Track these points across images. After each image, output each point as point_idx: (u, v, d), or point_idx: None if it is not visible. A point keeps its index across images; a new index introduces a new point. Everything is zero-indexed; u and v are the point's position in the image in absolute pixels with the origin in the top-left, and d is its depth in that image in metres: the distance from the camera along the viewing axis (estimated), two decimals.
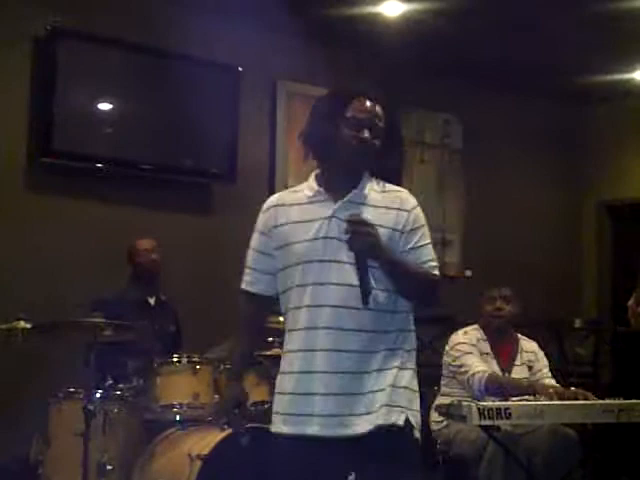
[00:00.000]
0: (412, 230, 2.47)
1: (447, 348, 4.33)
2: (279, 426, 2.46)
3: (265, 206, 2.60)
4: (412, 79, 6.33)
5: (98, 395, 3.95)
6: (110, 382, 4.08)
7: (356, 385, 2.39)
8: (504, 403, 3.59)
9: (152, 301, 4.76)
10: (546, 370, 4.43)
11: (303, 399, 2.40)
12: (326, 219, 2.44)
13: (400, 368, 2.44)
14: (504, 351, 4.38)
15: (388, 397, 2.39)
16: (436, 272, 2.49)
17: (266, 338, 3.96)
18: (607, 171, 7.40)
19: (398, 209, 2.47)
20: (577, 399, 3.85)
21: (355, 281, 2.37)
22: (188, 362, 4.17)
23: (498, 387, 4.00)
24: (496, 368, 4.29)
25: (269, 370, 4.30)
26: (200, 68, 5.56)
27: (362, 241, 2.33)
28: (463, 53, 6.21)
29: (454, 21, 5.67)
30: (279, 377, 2.51)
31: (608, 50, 6.15)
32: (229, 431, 3.90)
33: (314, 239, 2.43)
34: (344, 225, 2.36)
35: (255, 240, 2.61)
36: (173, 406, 4.09)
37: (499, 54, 6.24)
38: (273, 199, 2.61)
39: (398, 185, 2.56)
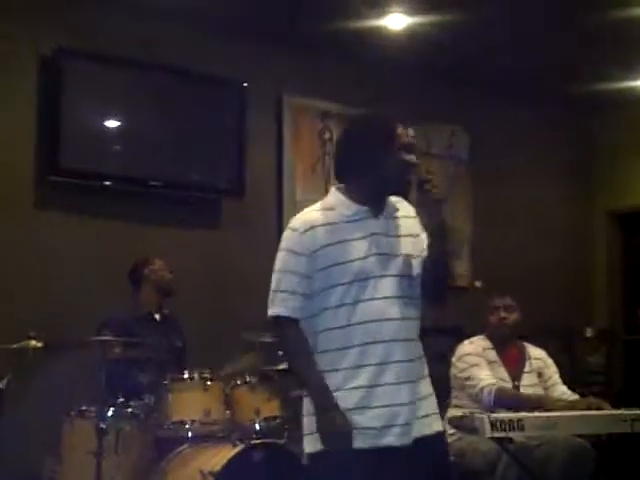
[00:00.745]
0: (422, 232, 2.67)
1: (454, 360, 4.31)
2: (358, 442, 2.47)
3: (301, 227, 2.57)
4: (417, 91, 6.33)
5: (110, 413, 3.95)
6: (121, 399, 4.08)
7: (416, 392, 2.53)
8: (517, 415, 3.56)
9: (158, 316, 4.76)
10: (556, 376, 4.41)
11: (378, 412, 2.45)
12: (373, 235, 2.55)
13: (426, 377, 2.63)
14: (512, 359, 4.36)
15: (433, 405, 2.59)
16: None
17: None
18: (616, 179, 7.38)
19: (414, 216, 2.69)
20: (590, 409, 3.83)
21: (405, 292, 2.53)
22: (199, 378, 4.16)
23: (507, 401, 3.98)
24: (505, 376, 4.27)
25: (280, 385, 4.30)
26: (206, 84, 5.57)
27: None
28: (468, 64, 6.21)
29: (458, 33, 5.67)
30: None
31: (616, 58, 6.14)
32: (241, 447, 3.90)
33: (366, 257, 2.51)
34: (390, 241, 2.55)
35: (294, 263, 2.56)
36: (184, 423, 4.08)
37: (505, 64, 6.24)
38: (309, 219, 2.58)
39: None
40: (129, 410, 4.05)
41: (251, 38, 5.67)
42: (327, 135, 6.16)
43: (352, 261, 2.50)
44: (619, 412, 3.77)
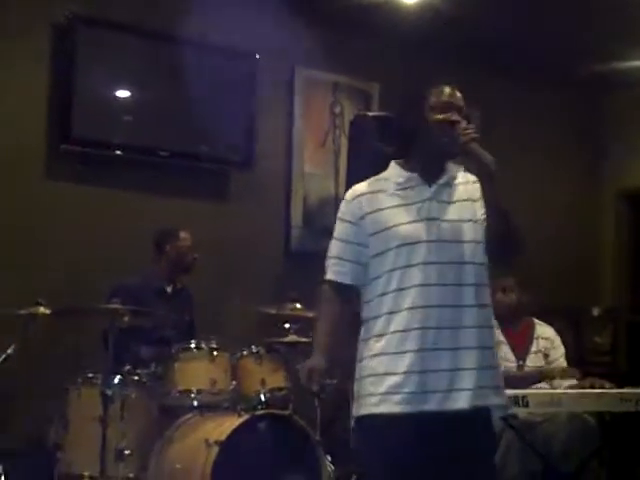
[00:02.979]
0: (480, 198, 2.61)
1: None
2: (394, 405, 2.46)
3: (349, 196, 2.65)
4: (428, 66, 6.29)
5: (116, 380, 3.97)
6: (128, 367, 4.10)
7: (472, 360, 2.49)
8: (522, 391, 3.58)
9: (169, 289, 4.77)
10: (562, 360, 4.41)
11: (420, 376, 2.45)
12: (425, 201, 2.54)
13: (492, 347, 2.59)
14: (518, 338, 4.37)
15: (488, 377, 2.53)
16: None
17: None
18: (626, 159, 7.34)
19: (473, 182, 2.63)
20: (593, 388, 3.85)
21: (459, 258, 2.51)
22: (206, 348, 4.18)
23: (510, 381, 3.98)
24: (510, 356, 4.28)
25: (286, 356, 4.32)
26: (217, 55, 5.55)
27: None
28: (480, 41, 6.17)
29: (471, 8, 5.63)
30: (378, 359, 2.50)
31: (627, 37, 6.09)
32: (246, 417, 3.92)
33: (417, 220, 2.52)
34: (442, 207, 2.53)
35: (341, 230, 2.64)
36: (190, 392, 4.10)
37: (517, 42, 6.19)
38: (358, 188, 2.65)
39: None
40: (135, 378, 4.08)
41: (263, 10, 5.63)
42: (338, 109, 6.14)
43: (401, 224, 2.52)
44: (624, 391, 3.79)
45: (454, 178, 2.63)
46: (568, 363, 4.43)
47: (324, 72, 6.07)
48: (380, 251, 2.54)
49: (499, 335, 4.32)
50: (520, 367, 4.29)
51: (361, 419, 2.54)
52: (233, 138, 5.63)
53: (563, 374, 4.06)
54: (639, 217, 7.38)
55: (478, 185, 2.60)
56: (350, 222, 2.61)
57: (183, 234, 4.79)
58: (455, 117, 2.55)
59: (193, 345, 4.20)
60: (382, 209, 2.56)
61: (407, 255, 2.50)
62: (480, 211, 2.58)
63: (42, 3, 5.04)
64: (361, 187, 2.65)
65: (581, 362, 5.45)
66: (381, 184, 2.63)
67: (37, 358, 4.56)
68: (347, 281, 2.61)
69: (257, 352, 4.24)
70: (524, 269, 4.50)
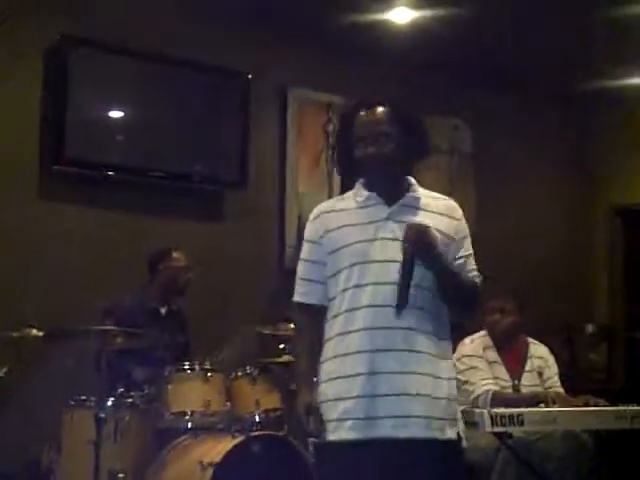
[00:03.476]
0: (462, 239, 2.60)
1: (454, 358, 4.30)
2: (344, 433, 2.41)
3: (312, 216, 2.64)
4: (421, 85, 6.32)
5: (109, 403, 3.95)
6: (121, 390, 4.08)
7: (419, 386, 2.42)
8: (517, 410, 3.57)
9: (163, 310, 4.76)
10: (556, 378, 4.40)
11: (370, 401, 2.39)
12: (382, 221, 2.51)
13: (449, 378, 2.52)
14: (513, 358, 4.36)
15: (446, 408, 2.45)
16: (478, 282, 2.60)
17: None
18: (618, 175, 7.37)
19: (450, 216, 2.57)
20: (588, 405, 3.84)
21: (415, 280, 2.42)
22: (199, 369, 4.17)
23: (503, 403, 3.98)
24: (505, 376, 4.27)
25: (281, 377, 4.30)
26: (210, 75, 5.56)
27: (424, 250, 2.40)
28: (472, 58, 6.20)
29: (462, 27, 5.66)
30: (329, 383, 2.48)
31: (617, 56, 6.13)
32: (241, 438, 3.90)
33: (372, 240, 2.48)
34: (401, 227, 2.45)
35: (305, 250, 2.63)
36: (185, 414, 4.09)
37: (509, 58, 6.23)
38: (321, 208, 2.64)
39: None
40: (129, 400, 4.06)
41: (256, 30, 5.66)
42: (331, 128, 6.15)
43: (356, 242, 2.49)
44: (618, 408, 3.78)
45: (418, 201, 2.57)
46: (562, 382, 4.42)
47: (317, 92, 6.09)
48: (335, 271, 2.52)
49: (494, 356, 4.31)
50: (515, 387, 4.28)
51: (317, 446, 2.51)
52: (226, 158, 5.64)
53: (557, 400, 4.04)
54: (632, 233, 7.40)
55: (459, 223, 2.59)
56: (312, 241, 2.60)
57: (176, 254, 4.78)
58: (370, 152, 2.49)
59: (187, 366, 4.19)
60: (340, 227, 2.54)
61: (358, 275, 2.46)
62: (452, 251, 2.55)
63: (33, 25, 5.04)
64: (324, 206, 2.64)
65: (576, 379, 5.44)
66: (343, 203, 2.61)
67: (29, 381, 4.54)
68: (312, 301, 2.59)
69: (251, 373, 4.23)
70: (518, 286, 4.52)
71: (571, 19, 5.54)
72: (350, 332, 2.45)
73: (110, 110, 5.28)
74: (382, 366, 2.40)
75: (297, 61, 5.88)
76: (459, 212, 2.61)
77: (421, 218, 2.51)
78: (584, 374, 6.49)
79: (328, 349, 2.51)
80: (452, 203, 2.63)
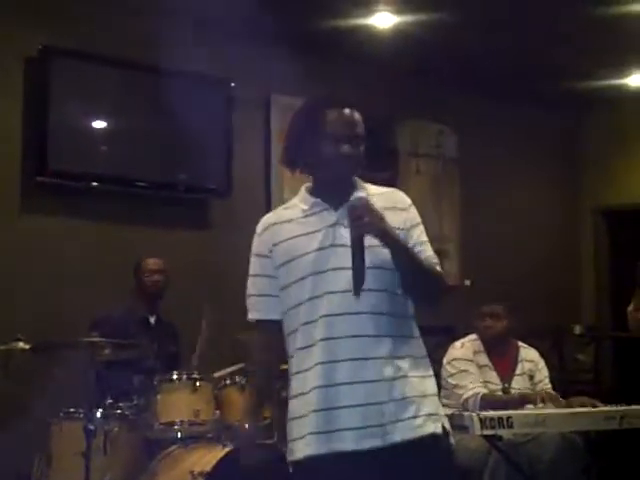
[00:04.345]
0: (412, 227, 2.44)
1: (444, 361, 4.32)
2: (307, 448, 2.32)
3: (259, 229, 2.52)
4: (405, 90, 6.34)
5: (99, 414, 3.93)
6: (110, 401, 4.06)
7: (382, 394, 2.30)
8: (506, 412, 3.58)
9: (152, 320, 4.76)
10: (547, 381, 4.42)
11: (329, 414, 2.29)
12: (330, 227, 2.38)
13: (423, 376, 2.41)
14: (503, 362, 4.37)
15: (419, 406, 2.34)
16: (439, 269, 2.42)
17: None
18: (604, 177, 7.41)
19: (395, 208, 2.43)
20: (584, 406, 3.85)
21: (369, 285, 2.29)
22: (188, 379, 4.15)
23: (492, 405, 3.98)
24: (495, 380, 4.28)
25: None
26: (193, 84, 5.55)
27: (368, 223, 2.26)
28: (455, 62, 6.22)
29: (445, 32, 5.68)
30: (293, 401, 2.38)
31: (603, 55, 6.16)
32: (231, 448, 3.89)
33: (321, 248, 2.36)
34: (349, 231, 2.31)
35: (254, 265, 2.50)
36: (174, 424, 4.07)
37: (492, 61, 6.26)
38: (266, 220, 2.52)
39: (393, 186, 2.56)
40: (118, 411, 4.04)
41: (238, 37, 5.66)
42: None
43: (306, 253, 2.37)
44: (607, 409, 3.79)
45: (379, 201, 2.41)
46: (552, 384, 4.43)
47: (300, 98, 6.05)
48: (288, 283, 2.39)
49: (484, 359, 4.32)
50: (505, 390, 4.28)
51: (292, 465, 2.40)
52: (211, 166, 5.64)
53: (546, 399, 4.05)
54: (617, 234, 7.43)
55: (407, 213, 2.44)
56: (261, 255, 2.47)
57: (151, 260, 4.80)
58: (346, 151, 2.38)
59: (175, 376, 4.17)
60: (288, 239, 2.42)
61: (313, 286, 2.34)
62: (406, 238, 2.40)
63: (14, 36, 5.03)
64: (269, 218, 2.52)
65: (564, 380, 5.45)
66: (288, 213, 2.48)
67: (17, 394, 4.51)
68: (267, 316, 2.46)
69: (240, 382, 4.21)
70: (504, 288, 4.53)
71: (555, 21, 5.57)
72: (308, 346, 2.34)
73: (93, 120, 5.27)
74: (339, 377, 2.30)
75: (280, 68, 5.87)
76: (406, 201, 2.47)
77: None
78: (572, 375, 6.51)
79: (291, 365, 2.40)
80: (397, 194, 2.49)
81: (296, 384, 2.38)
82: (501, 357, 4.37)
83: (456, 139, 6.88)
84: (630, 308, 4.43)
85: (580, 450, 4.14)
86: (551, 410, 3.90)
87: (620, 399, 3.92)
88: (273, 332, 2.46)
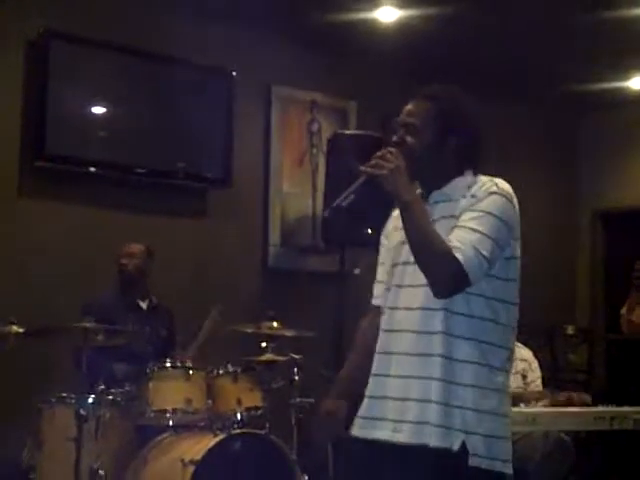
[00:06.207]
0: (465, 211, 2.30)
1: None
2: (354, 429, 2.37)
3: (392, 216, 2.53)
4: (406, 84, 6.32)
5: (90, 400, 3.92)
6: (102, 387, 4.05)
7: (413, 391, 2.26)
8: None
9: (144, 305, 4.75)
10: (539, 382, 4.43)
11: (377, 402, 2.33)
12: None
13: (483, 387, 2.26)
14: None
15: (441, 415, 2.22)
16: (459, 256, 2.20)
17: None
18: (601, 179, 7.41)
19: (474, 196, 2.33)
20: (572, 402, 3.86)
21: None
22: (181, 367, 4.16)
23: None
24: None
25: (262, 376, 4.30)
26: (194, 72, 5.54)
27: (379, 167, 2.26)
28: (458, 59, 6.20)
29: (449, 27, 5.67)
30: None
31: (602, 58, 6.15)
32: (222, 436, 3.90)
33: (400, 243, 2.37)
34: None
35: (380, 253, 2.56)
36: (166, 411, 4.06)
37: (494, 61, 6.24)
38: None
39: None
40: (109, 397, 4.03)
41: (240, 27, 5.65)
42: (315, 127, 6.15)
43: (391, 247, 2.44)
44: (598, 409, 3.80)
45: (447, 195, 2.36)
46: (544, 384, 4.45)
47: (301, 90, 6.08)
48: (387, 271, 2.46)
49: (509, 362, 4.31)
50: None
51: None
52: (210, 155, 5.62)
53: (538, 397, 4.07)
54: (614, 236, 7.44)
55: (476, 200, 2.31)
56: (382, 244, 2.54)
57: (127, 244, 4.75)
58: (393, 138, 2.37)
59: (168, 364, 4.17)
60: (389, 231, 2.50)
61: (393, 276, 2.39)
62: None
63: (15, 19, 5.01)
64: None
65: (557, 380, 5.47)
66: None
67: (9, 377, 4.51)
68: (380, 303, 2.47)
69: (233, 371, 4.21)
70: None
71: (555, 21, 5.56)
72: (382, 332, 2.39)
73: (92, 106, 5.24)
74: (392, 368, 2.31)
75: (281, 59, 5.87)
76: (484, 190, 2.37)
77: (441, 210, 2.35)
78: (565, 375, 6.52)
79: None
80: (487, 182, 2.42)
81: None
82: None
83: None
84: (623, 310, 4.44)
85: (570, 449, 4.15)
86: (541, 409, 3.92)
87: (612, 400, 3.93)
88: (368, 317, 2.52)
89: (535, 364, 4.47)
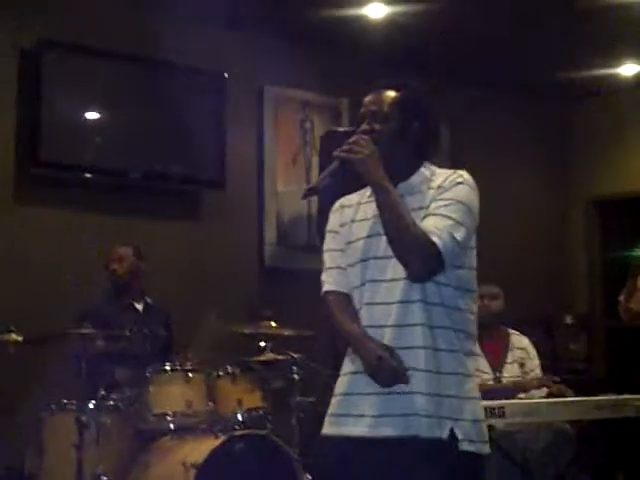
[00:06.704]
0: (436, 199, 2.31)
1: None
2: (327, 427, 2.36)
3: (334, 207, 2.53)
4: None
5: (91, 406, 3.93)
6: (102, 392, 4.06)
7: (412, 383, 2.24)
8: (498, 402, 3.59)
9: (140, 306, 4.75)
10: (538, 370, 4.43)
11: (352, 399, 2.31)
12: (375, 216, 2.35)
13: (462, 374, 2.32)
14: (494, 349, 4.38)
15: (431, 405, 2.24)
16: (435, 240, 2.21)
17: None
18: (595, 166, 7.42)
19: (441, 187, 2.34)
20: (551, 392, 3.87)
21: (404, 274, 2.25)
22: (181, 370, 4.16)
23: (485, 395, 3.99)
24: (487, 368, 4.29)
25: (262, 376, 4.30)
26: (186, 76, 5.55)
27: (354, 153, 2.29)
28: (447, 54, 6.21)
29: (437, 23, 5.67)
30: (339, 379, 2.39)
31: (594, 45, 6.16)
32: (223, 438, 3.90)
33: (369, 236, 2.36)
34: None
35: (328, 241, 2.49)
36: (166, 415, 4.07)
37: (483, 53, 6.25)
38: (342, 200, 2.52)
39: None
40: (110, 403, 4.04)
41: (231, 28, 5.66)
42: (308, 125, 6.15)
43: (358, 240, 2.39)
44: (598, 398, 3.81)
45: (412, 187, 2.37)
46: (543, 373, 4.45)
47: (293, 89, 6.09)
48: (347, 265, 2.41)
49: (475, 347, 4.32)
50: (497, 379, 4.30)
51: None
52: (203, 158, 5.63)
53: (538, 383, 4.08)
54: (609, 224, 7.44)
55: (446, 190, 2.32)
56: (333, 231, 2.47)
57: (114, 248, 4.73)
58: (361, 127, 2.38)
59: (168, 367, 4.17)
60: (347, 223, 2.44)
61: (361, 273, 2.36)
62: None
63: (8, 27, 5.02)
64: (344, 198, 2.52)
65: (556, 370, 5.47)
66: (358, 196, 2.49)
67: (10, 385, 4.52)
68: (340, 288, 2.41)
69: (232, 372, 4.22)
70: (497, 278, 4.54)
71: (548, 11, 5.56)
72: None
73: (86, 112, 5.26)
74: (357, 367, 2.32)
75: (272, 59, 5.87)
76: (452, 180, 2.37)
77: (414, 202, 2.34)
78: (564, 364, 6.53)
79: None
80: (452, 174, 2.41)
81: (344, 364, 2.40)
82: (492, 345, 4.38)
83: (448, 130, 6.86)
84: (621, 297, 4.44)
85: (571, 439, 4.16)
86: (543, 400, 3.92)
87: (612, 388, 3.94)
88: (346, 302, 2.41)
89: (533, 352, 4.47)
